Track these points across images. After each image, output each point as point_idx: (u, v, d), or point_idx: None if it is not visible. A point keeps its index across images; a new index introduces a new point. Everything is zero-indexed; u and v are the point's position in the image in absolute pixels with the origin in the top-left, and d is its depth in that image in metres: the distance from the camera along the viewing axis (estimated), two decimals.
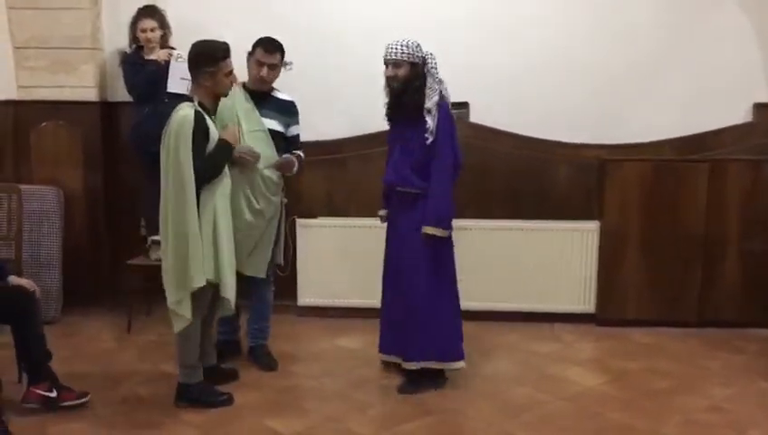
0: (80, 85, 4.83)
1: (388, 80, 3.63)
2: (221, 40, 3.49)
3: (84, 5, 4.76)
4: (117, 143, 4.97)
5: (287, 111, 3.98)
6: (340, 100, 4.83)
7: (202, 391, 3.57)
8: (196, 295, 3.39)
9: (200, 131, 3.32)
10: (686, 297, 4.68)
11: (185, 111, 3.33)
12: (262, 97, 3.91)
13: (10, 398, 3.40)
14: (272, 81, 3.92)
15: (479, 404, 3.62)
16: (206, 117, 3.39)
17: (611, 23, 4.74)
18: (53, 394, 3.46)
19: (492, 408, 3.57)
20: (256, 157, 3.74)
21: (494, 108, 4.81)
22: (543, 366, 4.10)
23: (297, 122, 4.05)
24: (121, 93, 4.78)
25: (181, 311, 3.38)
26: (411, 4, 4.77)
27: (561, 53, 4.77)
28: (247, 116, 3.83)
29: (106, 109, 4.95)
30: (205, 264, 3.35)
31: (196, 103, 3.40)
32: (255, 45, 3.87)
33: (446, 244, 3.71)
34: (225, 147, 3.48)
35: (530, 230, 4.73)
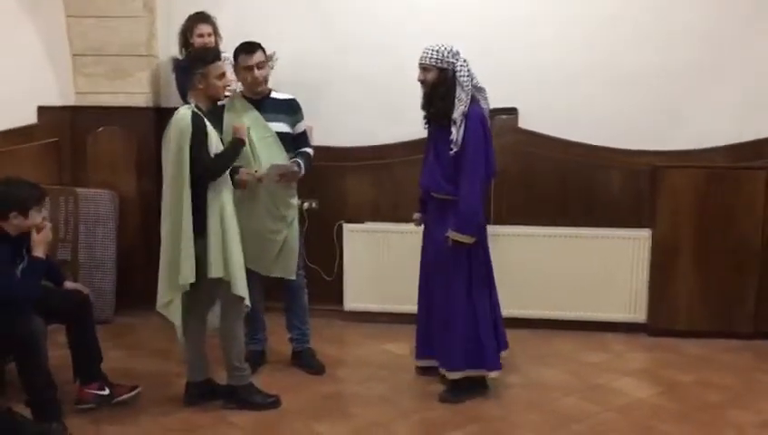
0: (135, 91, 4.95)
1: (420, 83, 3.64)
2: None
3: (140, 14, 4.87)
4: None
5: (290, 108, 3.98)
6: (389, 104, 4.83)
7: (250, 393, 3.62)
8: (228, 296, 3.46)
9: (198, 130, 3.37)
10: (741, 308, 4.55)
11: (183, 113, 3.41)
12: (262, 102, 3.92)
13: (66, 398, 3.48)
14: (266, 80, 3.91)
15: (526, 413, 3.59)
16: (204, 118, 3.43)
17: (664, 27, 4.64)
18: (106, 392, 3.56)
19: (539, 417, 3.53)
20: (257, 178, 3.72)
21: (543, 113, 4.74)
22: (593, 376, 4.04)
23: (302, 118, 4.03)
24: (174, 100, 4.86)
25: (170, 314, 3.43)
26: (459, 7, 4.75)
27: (613, 57, 4.68)
28: (255, 123, 3.83)
29: (160, 114, 5.04)
30: (215, 261, 3.36)
31: (193, 105, 3.46)
32: (236, 56, 3.89)
33: (475, 250, 3.65)
34: (237, 144, 3.53)
35: (580, 237, 4.67)
